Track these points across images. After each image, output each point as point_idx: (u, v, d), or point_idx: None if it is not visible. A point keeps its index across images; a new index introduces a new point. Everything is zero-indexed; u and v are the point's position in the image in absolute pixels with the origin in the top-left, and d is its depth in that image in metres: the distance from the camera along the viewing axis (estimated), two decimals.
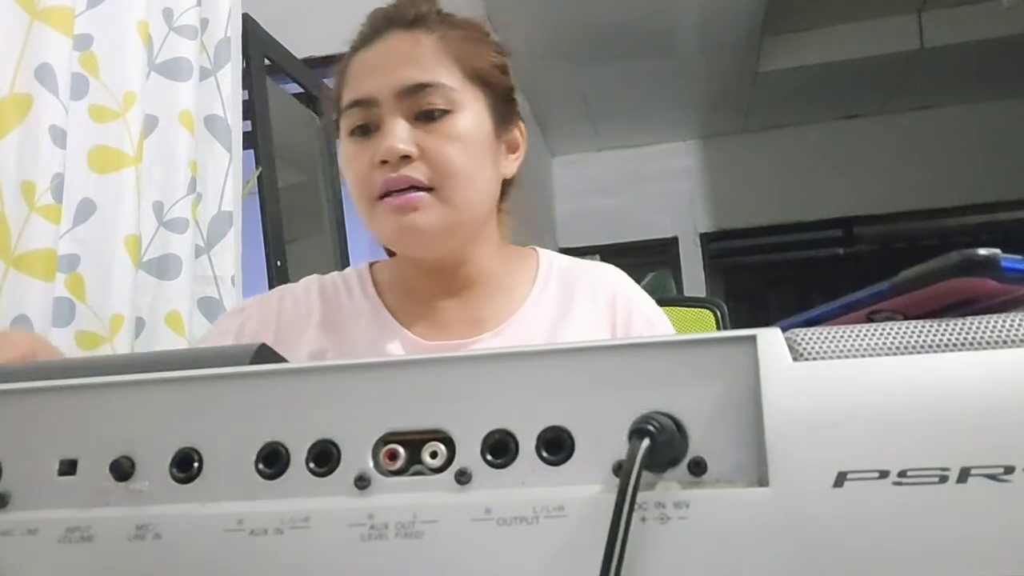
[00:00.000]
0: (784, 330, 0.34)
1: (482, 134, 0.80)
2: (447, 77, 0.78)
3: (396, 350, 0.82)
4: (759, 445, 0.32)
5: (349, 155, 0.80)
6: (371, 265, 0.92)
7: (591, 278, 0.88)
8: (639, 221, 4.97)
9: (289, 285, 0.92)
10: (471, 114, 0.79)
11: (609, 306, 0.86)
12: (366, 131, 0.79)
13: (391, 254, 0.91)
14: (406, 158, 0.76)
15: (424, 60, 0.78)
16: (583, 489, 0.33)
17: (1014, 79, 4.18)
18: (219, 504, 0.35)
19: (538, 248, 0.93)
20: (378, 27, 0.82)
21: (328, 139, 2.31)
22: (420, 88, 0.77)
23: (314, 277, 0.92)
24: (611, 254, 4.69)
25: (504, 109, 0.84)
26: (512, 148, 0.86)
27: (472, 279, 0.85)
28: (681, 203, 5.01)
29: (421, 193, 0.76)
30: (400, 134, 0.76)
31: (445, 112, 0.77)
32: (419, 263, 0.84)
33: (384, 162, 0.76)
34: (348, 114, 0.80)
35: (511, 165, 0.86)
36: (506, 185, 0.87)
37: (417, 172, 0.76)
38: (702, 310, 1.58)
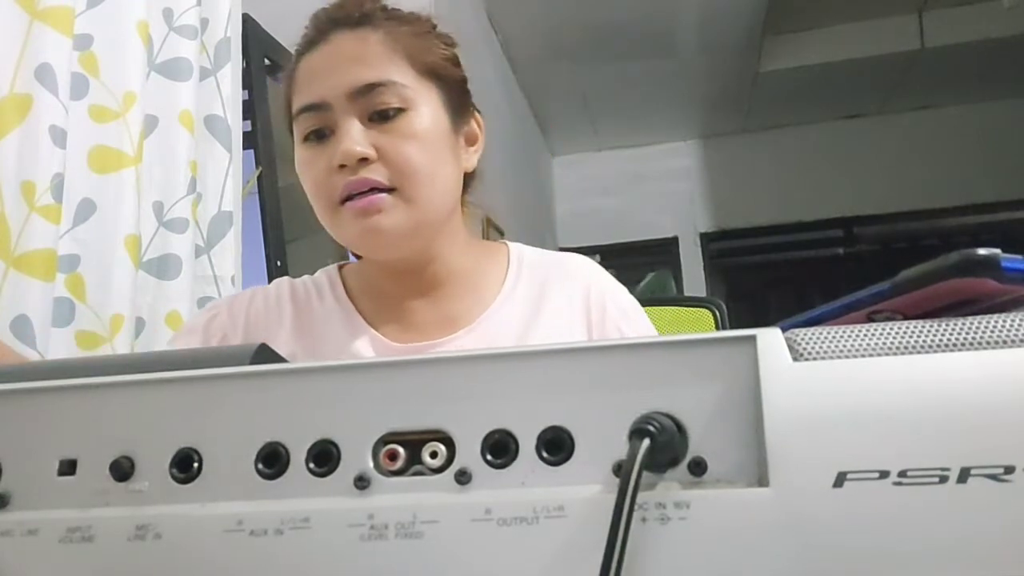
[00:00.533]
0: (784, 330, 0.34)
1: (439, 129, 0.79)
2: (398, 74, 0.77)
3: (367, 352, 0.81)
4: (759, 445, 0.32)
5: (305, 161, 0.79)
6: (340, 268, 0.91)
7: (563, 271, 0.87)
8: (639, 221, 4.97)
9: (260, 287, 0.91)
10: (426, 110, 0.78)
11: (583, 299, 0.85)
12: (320, 135, 0.77)
13: (359, 257, 0.90)
14: (364, 160, 0.74)
15: (373, 59, 0.77)
16: (583, 489, 0.33)
17: (1014, 79, 4.18)
18: (219, 504, 0.35)
19: (508, 242, 0.92)
20: (323, 28, 0.80)
21: None
22: (372, 88, 0.75)
23: (285, 279, 0.91)
24: (611, 254, 4.69)
25: (459, 102, 0.82)
26: (471, 140, 0.85)
27: (441, 277, 0.84)
28: (681, 203, 5.01)
29: (383, 194, 0.75)
30: (356, 136, 0.74)
31: (400, 110, 0.76)
32: (386, 264, 0.83)
33: (342, 166, 0.75)
34: (300, 119, 0.78)
35: (471, 158, 0.85)
36: (468, 178, 0.86)
37: (377, 174, 0.75)
38: (701, 310, 1.58)
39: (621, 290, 0.89)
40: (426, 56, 0.79)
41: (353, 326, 0.84)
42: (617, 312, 0.85)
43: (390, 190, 0.75)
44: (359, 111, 0.76)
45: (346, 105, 0.76)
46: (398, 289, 0.84)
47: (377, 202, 0.75)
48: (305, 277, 0.92)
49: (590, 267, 0.89)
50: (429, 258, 0.83)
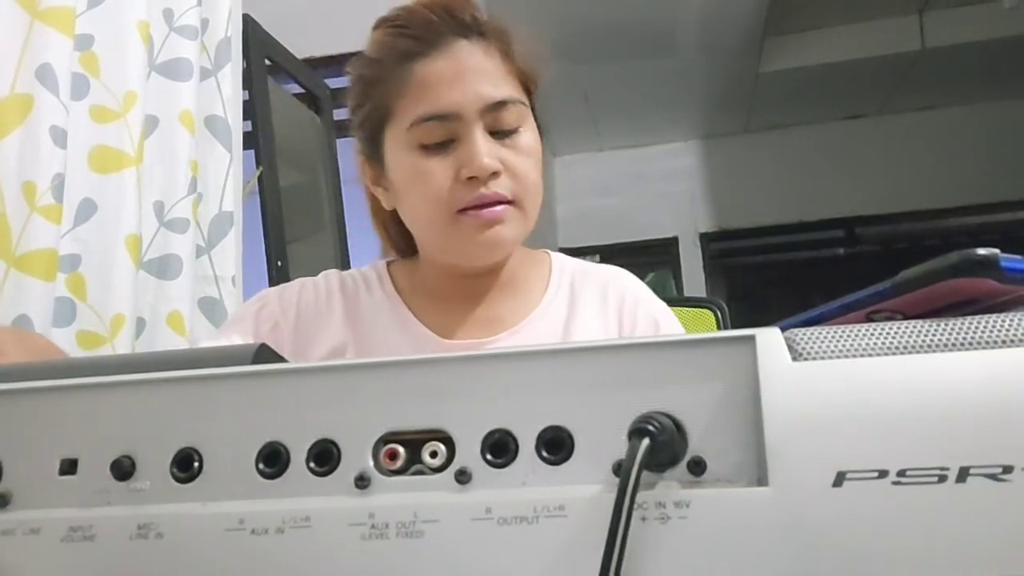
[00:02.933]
0: (784, 330, 0.34)
1: (539, 147, 0.82)
2: (516, 92, 0.80)
3: (416, 347, 0.83)
4: (758, 445, 0.32)
5: (424, 169, 0.78)
6: (388, 264, 0.93)
7: (601, 279, 0.90)
8: (640, 221, 4.96)
9: (307, 278, 0.91)
10: (531, 127, 0.82)
11: (617, 307, 0.87)
12: (442, 144, 0.78)
13: (404, 255, 0.92)
14: (494, 174, 0.77)
15: (498, 75, 0.79)
16: (583, 489, 0.33)
17: (1015, 80, 4.18)
18: (220, 504, 0.36)
19: (549, 251, 0.95)
20: (438, 34, 0.79)
21: (329, 139, 2.31)
22: (501, 105, 0.78)
23: (333, 272, 0.92)
24: (611, 254, 4.69)
25: (538, 120, 0.85)
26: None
27: (496, 282, 0.87)
28: (682, 203, 5.00)
29: (507, 207, 0.78)
30: (489, 150, 0.77)
31: (520, 127, 0.80)
32: (462, 268, 0.84)
33: (471, 178, 0.76)
34: (423, 127, 0.78)
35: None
36: None
37: (503, 188, 0.78)
38: (702, 310, 1.58)
39: (655, 300, 0.91)
40: (530, 74, 0.83)
41: (402, 321, 0.86)
42: (648, 321, 0.87)
43: (509, 203, 0.78)
44: (485, 125, 0.78)
45: (475, 118, 0.77)
46: (453, 290, 0.86)
47: (501, 214, 0.78)
48: (353, 270, 0.93)
49: (626, 277, 0.92)
50: (502, 265, 0.86)
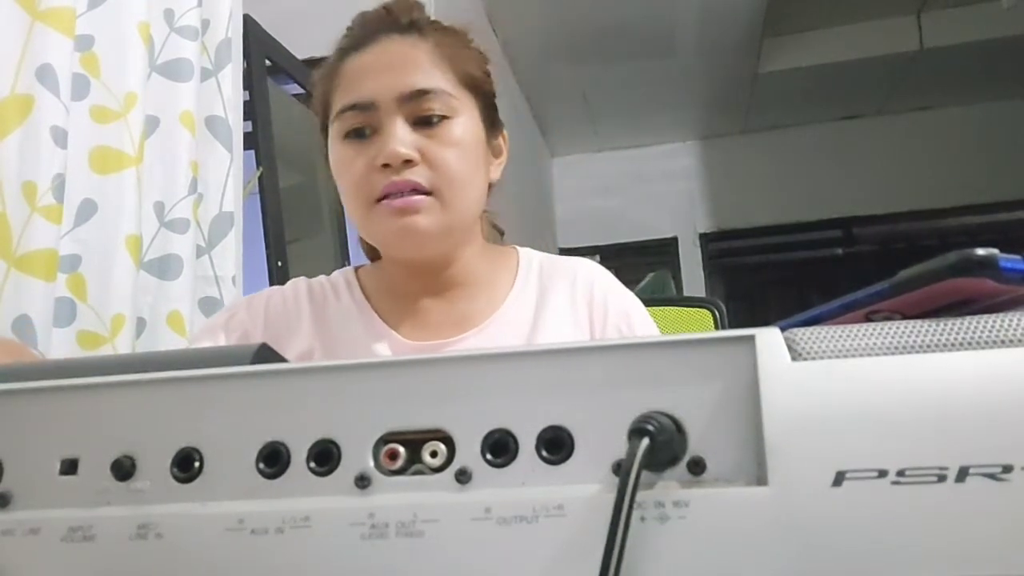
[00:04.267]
0: (783, 330, 0.34)
1: (475, 140, 0.82)
2: (445, 83, 0.80)
3: (383, 350, 0.83)
4: (758, 444, 0.32)
5: (344, 158, 0.80)
6: (356, 269, 0.94)
7: (568, 272, 0.90)
8: (639, 221, 4.97)
9: (276, 287, 0.93)
10: (466, 120, 0.81)
11: (586, 299, 0.87)
12: (361, 134, 0.79)
13: (374, 259, 0.93)
14: (408, 162, 0.77)
15: (423, 66, 0.79)
16: (583, 489, 0.33)
17: (1013, 80, 4.18)
18: (220, 503, 0.36)
19: (518, 247, 0.95)
20: (371, 30, 0.82)
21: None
22: (421, 94, 0.78)
23: (301, 279, 0.93)
24: (611, 254, 4.70)
25: (491, 115, 0.86)
26: (497, 153, 0.89)
27: (457, 279, 0.87)
28: (681, 203, 5.01)
29: (422, 196, 0.77)
30: (403, 138, 0.77)
31: (443, 118, 0.79)
32: (409, 264, 0.86)
33: (385, 165, 0.77)
34: (344, 117, 0.80)
35: (496, 170, 0.89)
36: (490, 188, 0.89)
37: (418, 176, 0.77)
38: (702, 310, 1.58)
39: (624, 292, 0.91)
40: (469, 68, 0.83)
41: (370, 325, 0.86)
42: (618, 314, 0.87)
43: (428, 193, 0.78)
44: (405, 114, 0.78)
45: (393, 107, 0.78)
46: (415, 289, 0.87)
47: (416, 203, 0.77)
48: (321, 277, 0.94)
49: (593, 270, 0.92)
50: (450, 260, 0.86)
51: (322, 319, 0.87)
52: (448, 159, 0.78)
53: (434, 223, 0.78)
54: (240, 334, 0.86)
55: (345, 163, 0.80)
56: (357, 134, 0.79)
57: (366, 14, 0.84)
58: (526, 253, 0.93)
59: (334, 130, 0.81)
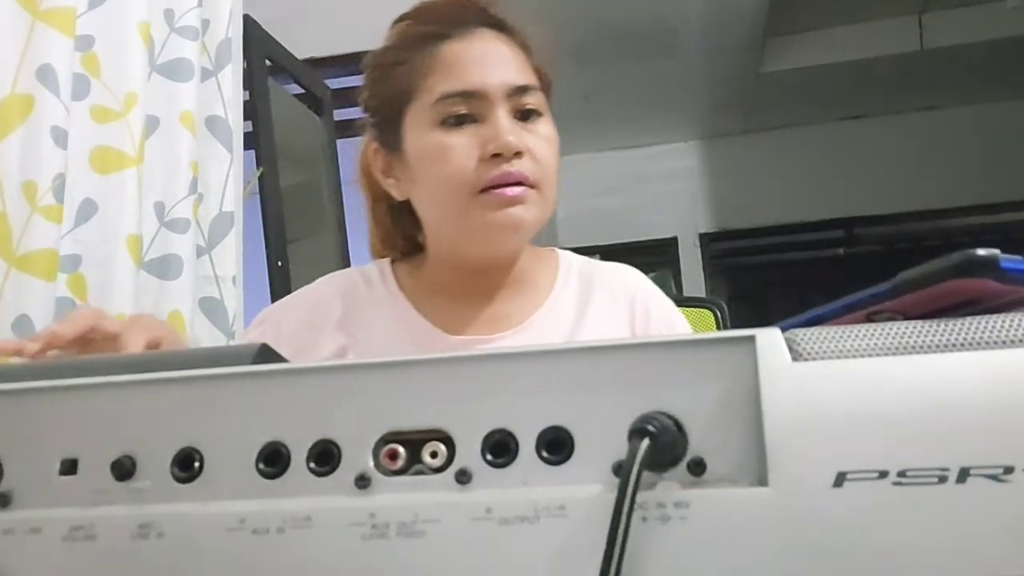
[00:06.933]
0: (784, 330, 0.34)
1: (557, 140, 0.83)
2: (536, 82, 0.81)
3: (419, 342, 0.82)
4: (759, 445, 0.32)
5: (447, 145, 0.78)
6: (392, 262, 0.92)
7: (610, 278, 0.90)
8: (640, 221, 4.96)
9: (303, 290, 0.92)
10: (550, 119, 0.83)
11: (628, 306, 0.87)
12: (462, 122, 0.78)
13: (402, 254, 0.91)
14: (518, 154, 0.77)
15: (521, 64, 0.81)
16: (583, 489, 0.33)
17: (1016, 80, 4.18)
18: (220, 503, 0.36)
19: (557, 249, 0.94)
20: (465, 20, 0.81)
21: (329, 139, 2.32)
22: (524, 89, 0.79)
23: (333, 275, 0.92)
24: (611, 254, 4.67)
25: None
26: None
27: (508, 278, 0.87)
28: (682, 203, 5.00)
29: (528, 189, 0.78)
30: (514, 129, 0.77)
31: (539, 114, 0.81)
32: (478, 262, 0.84)
33: (495, 155, 0.76)
34: (445, 103, 0.78)
35: None
36: None
37: (526, 168, 0.77)
38: (703, 310, 1.58)
39: (665, 300, 0.91)
40: (546, 73, 0.85)
41: (404, 316, 0.85)
42: (660, 321, 0.87)
43: (531, 186, 0.78)
44: (510, 107, 0.79)
45: (501, 99, 0.78)
46: (460, 286, 0.86)
47: (523, 195, 0.77)
48: (352, 269, 0.93)
49: (636, 276, 0.92)
50: (515, 258, 0.86)
51: (353, 313, 0.86)
52: (547, 154, 0.80)
53: (533, 217, 0.79)
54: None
55: (446, 150, 0.78)
56: (458, 121, 0.78)
57: (441, 4, 0.83)
58: (565, 255, 0.93)
59: (430, 116, 0.79)
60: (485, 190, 0.77)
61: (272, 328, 0.87)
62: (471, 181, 0.77)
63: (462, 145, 0.77)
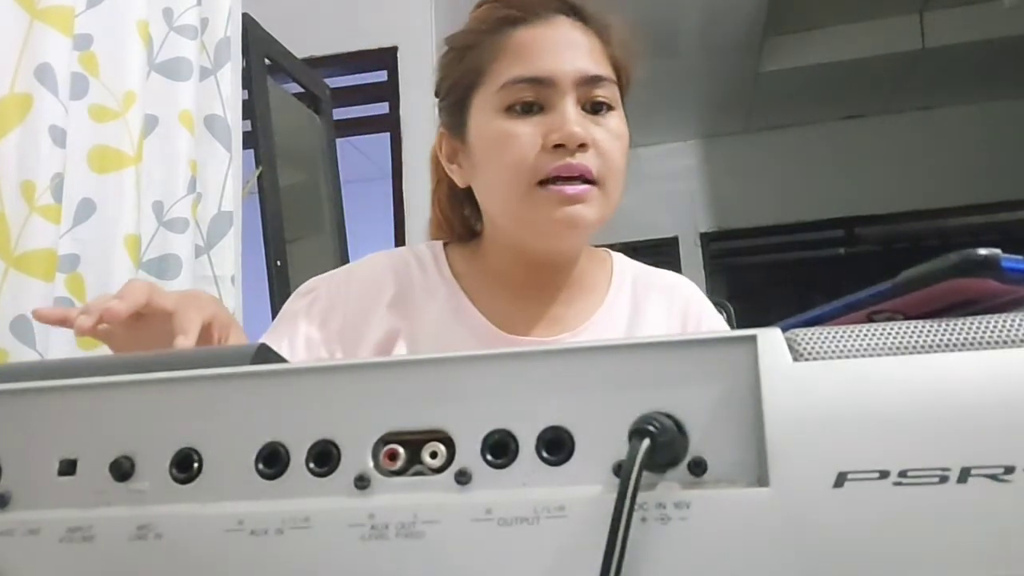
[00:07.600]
0: (784, 330, 0.34)
1: (628, 136, 0.80)
2: (610, 74, 0.79)
3: (478, 340, 0.80)
4: (759, 445, 0.32)
5: (510, 132, 0.75)
6: (444, 245, 0.89)
7: (664, 286, 0.88)
8: (639, 221, 4.95)
9: (352, 265, 0.89)
10: (621, 114, 0.80)
11: (681, 315, 0.86)
12: (529, 109, 0.76)
13: (457, 238, 0.88)
14: (582, 146, 0.74)
15: (596, 54, 0.78)
16: (583, 489, 0.33)
17: (1016, 79, 4.18)
18: (219, 504, 0.35)
19: (611, 251, 0.92)
20: (545, 6, 0.79)
21: (329, 139, 2.31)
22: (596, 80, 0.76)
23: (383, 253, 0.88)
24: None
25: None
26: None
27: (567, 279, 0.84)
28: (682, 203, 5.00)
29: (589, 186, 0.75)
30: (580, 120, 0.75)
31: (610, 108, 0.78)
32: (536, 255, 0.81)
33: (558, 146, 0.74)
34: (512, 88, 0.76)
35: None
36: None
37: (589, 162, 0.75)
38: None
39: (716, 313, 0.90)
40: (626, 65, 0.82)
41: (459, 307, 0.82)
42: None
43: (593, 182, 0.75)
44: (578, 97, 0.76)
45: (570, 88, 0.75)
46: (518, 279, 0.83)
47: (585, 193, 0.74)
48: (404, 249, 0.89)
49: (690, 287, 0.91)
50: (576, 258, 0.83)
51: (405, 296, 0.83)
52: (615, 150, 0.76)
53: (595, 215, 0.75)
54: (320, 322, 0.81)
55: (509, 137, 0.75)
56: (524, 109, 0.76)
57: None
58: (619, 259, 0.90)
59: (496, 101, 0.77)
60: (546, 182, 0.74)
61: (324, 298, 0.83)
62: (531, 171, 0.74)
63: (526, 134, 0.75)
